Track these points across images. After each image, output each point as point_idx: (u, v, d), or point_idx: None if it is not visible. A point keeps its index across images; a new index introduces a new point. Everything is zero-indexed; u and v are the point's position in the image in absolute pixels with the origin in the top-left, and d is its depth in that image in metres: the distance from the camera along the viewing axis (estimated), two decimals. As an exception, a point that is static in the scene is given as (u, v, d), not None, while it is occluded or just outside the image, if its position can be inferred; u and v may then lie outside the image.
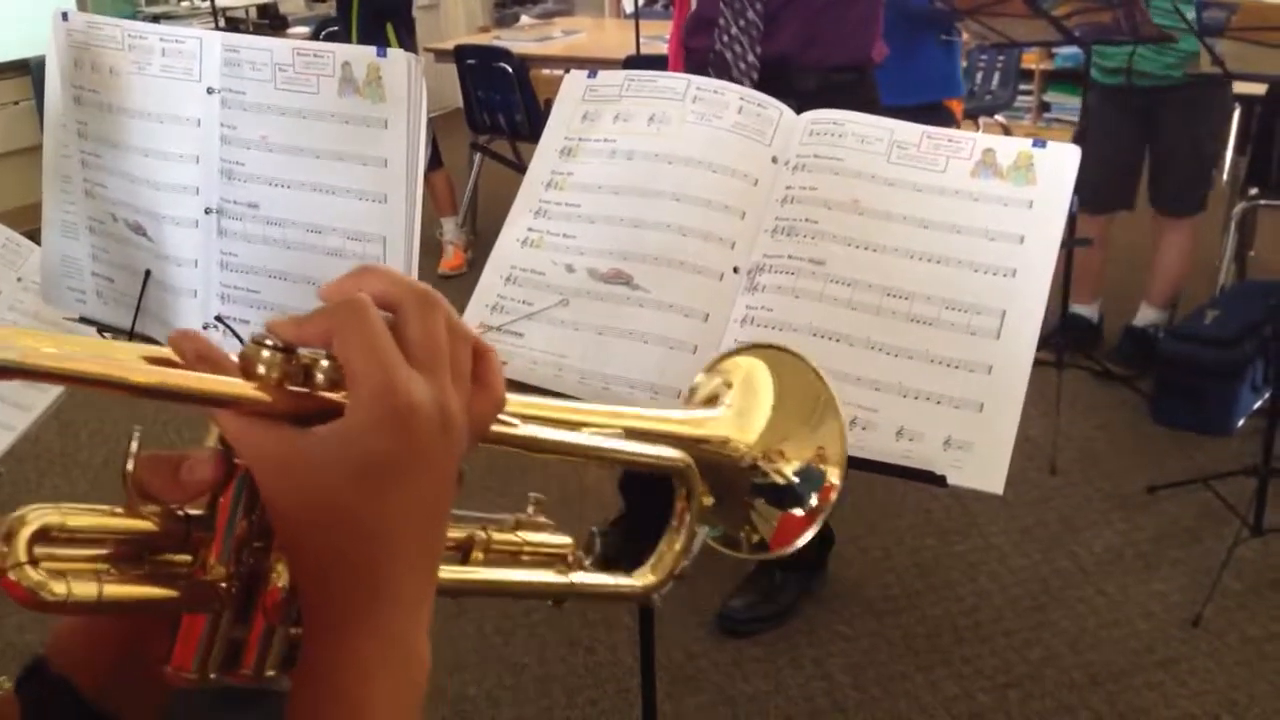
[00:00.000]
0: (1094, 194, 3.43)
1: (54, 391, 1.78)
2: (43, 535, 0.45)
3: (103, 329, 1.64)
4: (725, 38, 2.17)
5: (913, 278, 1.29)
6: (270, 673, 0.51)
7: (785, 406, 0.80)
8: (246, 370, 0.49)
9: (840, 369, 1.28)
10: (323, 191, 1.39)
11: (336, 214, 1.38)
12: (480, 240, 4.99)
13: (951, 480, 1.21)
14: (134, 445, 0.49)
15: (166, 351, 0.49)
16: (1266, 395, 2.94)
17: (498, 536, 0.65)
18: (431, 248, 4.79)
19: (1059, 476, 3.12)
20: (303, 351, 0.49)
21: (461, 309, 1.45)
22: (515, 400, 0.59)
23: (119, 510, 0.50)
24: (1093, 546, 2.83)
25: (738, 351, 0.85)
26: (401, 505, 0.49)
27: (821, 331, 1.30)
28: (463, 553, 0.63)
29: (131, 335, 1.55)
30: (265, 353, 0.48)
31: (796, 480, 0.79)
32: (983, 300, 1.26)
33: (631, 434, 0.69)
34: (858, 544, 2.85)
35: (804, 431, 0.80)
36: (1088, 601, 2.62)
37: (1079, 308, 3.81)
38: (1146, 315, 3.80)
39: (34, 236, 1.82)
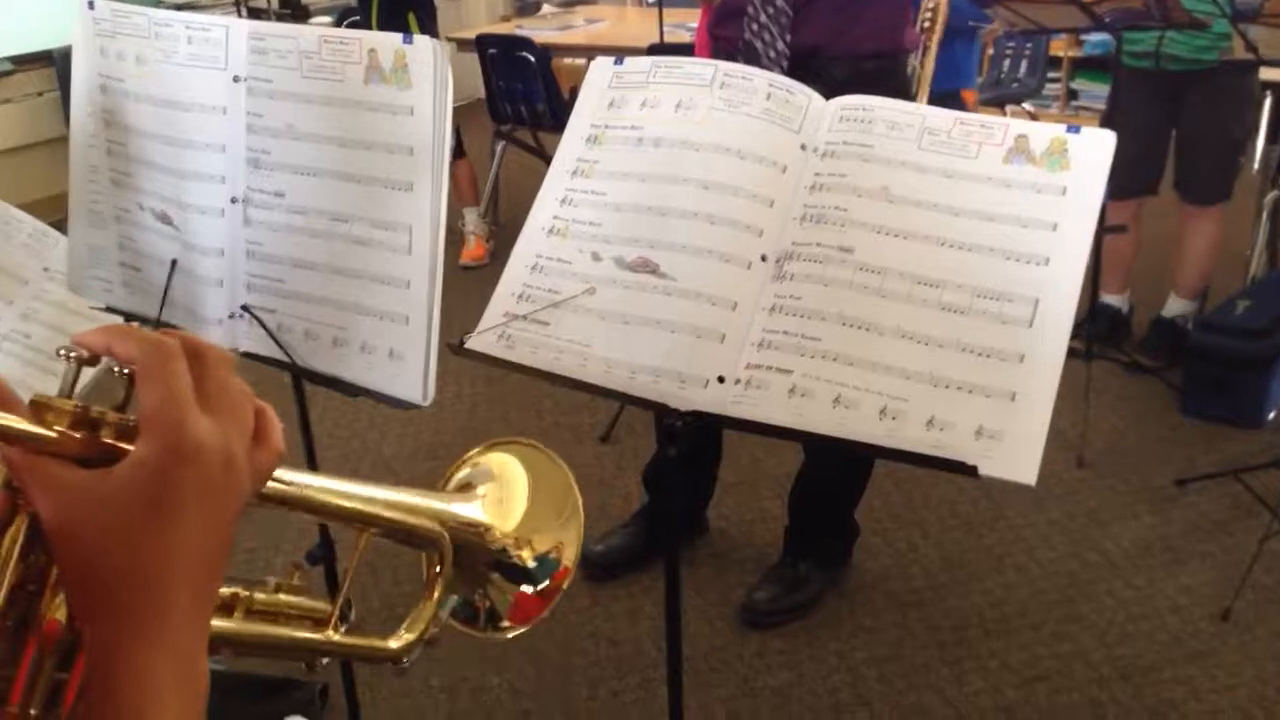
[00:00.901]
0: (1120, 179, 3.38)
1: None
2: None
3: (129, 318, 1.64)
4: (754, 26, 2.16)
5: (944, 266, 1.27)
6: (33, 712, 0.52)
7: (539, 501, 0.87)
8: (38, 415, 0.51)
9: (869, 358, 1.26)
10: (349, 180, 1.39)
11: (363, 202, 1.38)
12: (502, 231, 4.99)
13: (983, 471, 1.19)
14: None
15: None
16: (1298, 387, 2.90)
17: (258, 596, 0.71)
18: (453, 238, 4.78)
19: (1087, 469, 3.09)
20: (94, 407, 0.53)
21: (484, 298, 1.45)
22: (292, 474, 0.66)
23: None
24: (1121, 540, 2.80)
25: (490, 446, 0.91)
26: (180, 534, 0.52)
27: (851, 320, 1.28)
28: (226, 610, 0.69)
29: (158, 324, 1.55)
30: (56, 402, 0.52)
31: (534, 565, 0.86)
32: (1015, 288, 1.24)
33: (395, 507, 0.76)
34: (883, 536, 2.83)
35: (554, 525, 0.87)
36: (1116, 595, 2.60)
37: (1108, 298, 3.77)
38: (1175, 306, 3.76)
39: (59, 227, 1.82)
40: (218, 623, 0.65)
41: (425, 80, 1.34)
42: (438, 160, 1.34)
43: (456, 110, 1.36)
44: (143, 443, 0.51)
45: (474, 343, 1.41)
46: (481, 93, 5.09)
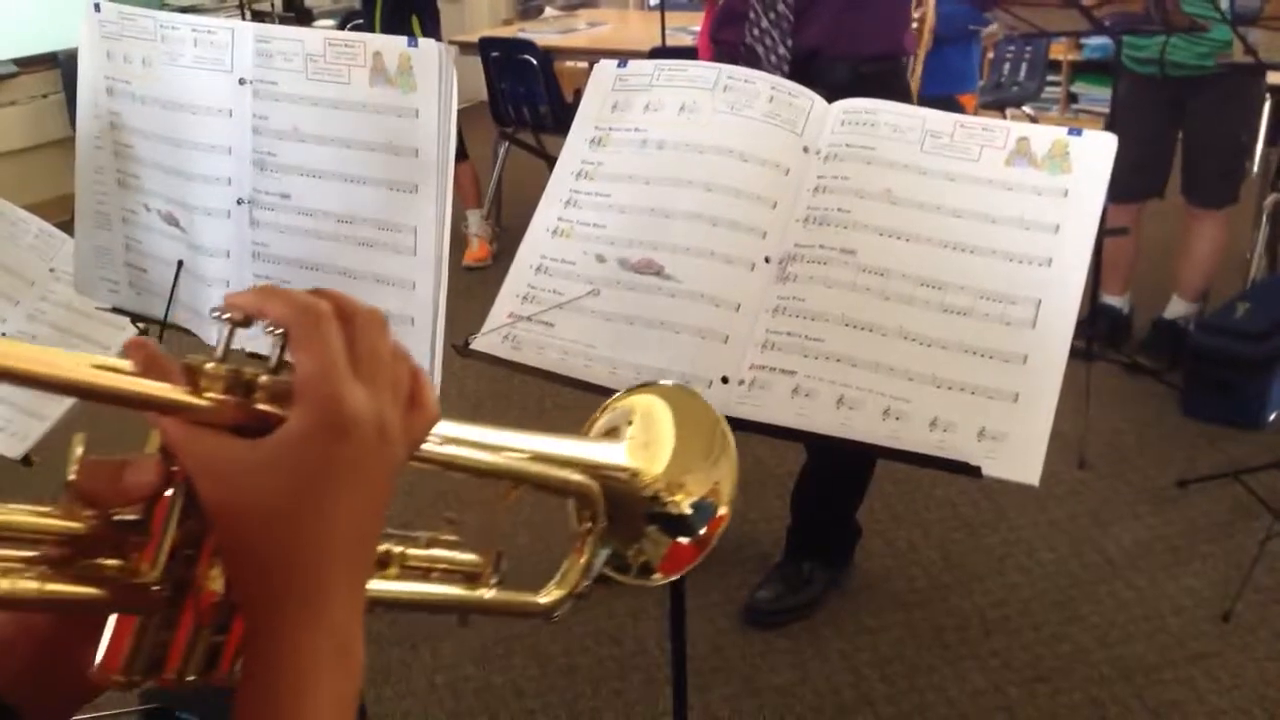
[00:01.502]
0: (1123, 183, 3.39)
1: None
2: None
3: (135, 319, 1.65)
4: (756, 31, 2.16)
5: (946, 267, 1.28)
6: (191, 676, 0.52)
7: (687, 442, 0.85)
8: (191, 380, 0.50)
9: (873, 359, 1.27)
10: (354, 182, 1.39)
11: (368, 204, 1.39)
12: (505, 233, 5.00)
13: (986, 471, 1.20)
14: (78, 450, 0.50)
15: (115, 361, 0.50)
16: (1299, 388, 2.91)
17: (411, 552, 0.69)
18: (457, 240, 4.79)
19: (1088, 470, 3.10)
20: (246, 369, 0.52)
21: (487, 300, 1.45)
22: (441, 423, 0.63)
23: (54, 510, 0.50)
24: (1122, 541, 2.81)
25: (632, 390, 0.89)
26: (337, 509, 0.51)
27: (854, 321, 1.29)
28: (379, 566, 0.67)
29: (164, 325, 1.56)
30: (210, 365, 0.50)
31: (691, 512, 0.84)
32: (1017, 290, 1.25)
33: (544, 459, 0.73)
34: (885, 536, 2.84)
35: (704, 466, 0.85)
36: (1117, 596, 2.60)
37: (1109, 299, 3.78)
38: (1177, 308, 3.76)
39: (65, 228, 1.83)
40: (371, 584, 0.63)
41: (430, 83, 1.35)
42: (443, 162, 1.35)
43: (459, 113, 1.37)
44: (297, 414, 0.50)
45: (479, 344, 1.42)
46: (484, 95, 5.10)
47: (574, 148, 1.48)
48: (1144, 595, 2.60)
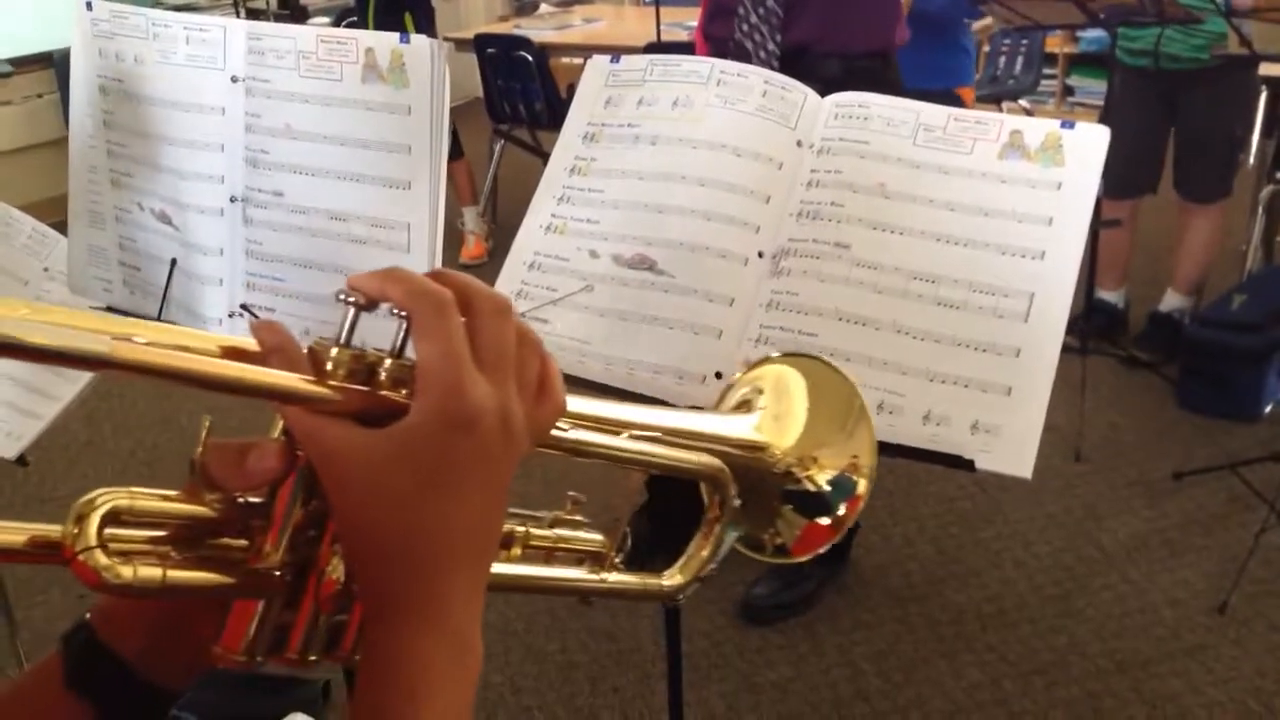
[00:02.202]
0: (1117, 177, 3.40)
1: (80, 383, 1.80)
2: (112, 518, 0.46)
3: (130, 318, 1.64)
4: (745, 26, 2.16)
5: (939, 261, 1.28)
6: (313, 657, 0.52)
7: (820, 413, 0.80)
8: (316, 364, 0.50)
9: (866, 353, 1.27)
10: (347, 179, 1.39)
11: (361, 201, 1.39)
12: (501, 230, 5.00)
13: (980, 465, 1.20)
14: (204, 433, 0.50)
15: (241, 341, 0.50)
16: (1295, 381, 2.91)
17: (535, 533, 0.67)
18: (453, 237, 4.79)
19: (1084, 463, 3.10)
20: (370, 349, 0.51)
21: (484, 297, 1.45)
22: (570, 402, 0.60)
23: (181, 495, 0.51)
24: (1118, 534, 2.81)
25: (766, 360, 0.85)
26: (461, 505, 0.50)
27: (847, 315, 1.29)
28: (503, 548, 0.64)
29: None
30: (335, 350, 0.50)
31: (828, 489, 0.79)
32: (1010, 283, 1.25)
33: (672, 436, 0.69)
34: (881, 531, 2.84)
35: (840, 439, 0.80)
36: (1113, 589, 2.61)
37: (1104, 294, 3.78)
38: (1172, 301, 3.77)
39: (60, 228, 1.83)
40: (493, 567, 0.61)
41: (422, 79, 1.35)
42: (435, 159, 1.35)
43: (454, 110, 1.36)
44: (419, 406, 0.49)
45: (473, 340, 1.41)
46: (479, 92, 5.10)
47: (567, 143, 1.48)
48: (1140, 588, 2.61)
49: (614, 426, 0.66)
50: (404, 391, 0.50)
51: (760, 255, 1.35)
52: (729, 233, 1.36)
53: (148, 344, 0.45)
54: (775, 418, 0.79)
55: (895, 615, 2.55)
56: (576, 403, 0.62)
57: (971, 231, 1.28)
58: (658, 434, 0.68)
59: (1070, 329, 1.26)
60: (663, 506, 2.54)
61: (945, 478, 2.97)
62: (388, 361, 0.51)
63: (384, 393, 0.50)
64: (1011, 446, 1.20)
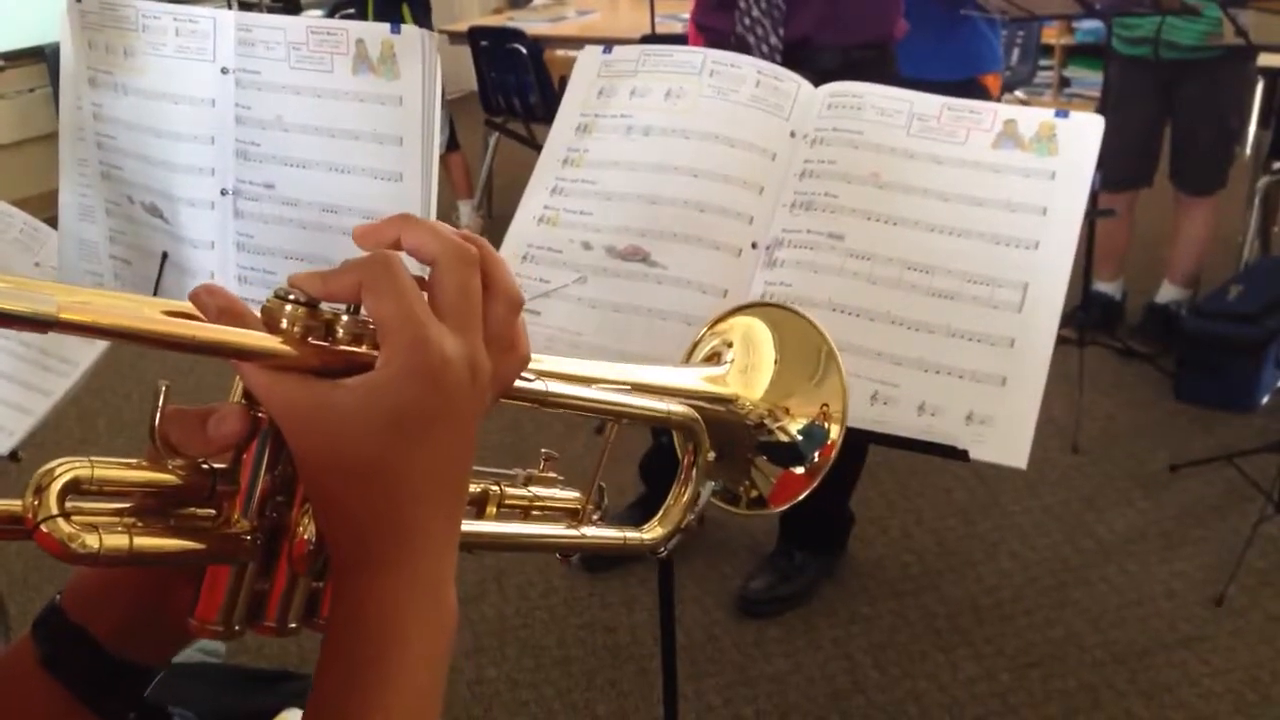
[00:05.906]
0: (1114, 169, 3.39)
1: (72, 377, 1.79)
2: (73, 487, 0.46)
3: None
4: (747, 20, 2.15)
5: (933, 251, 1.27)
6: (292, 624, 0.52)
7: (788, 362, 0.80)
8: (270, 325, 0.49)
9: (860, 343, 1.26)
10: (338, 171, 1.39)
11: (352, 193, 1.38)
12: (495, 223, 4.98)
13: (974, 455, 1.19)
14: (161, 399, 0.49)
15: (188, 306, 0.49)
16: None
17: (510, 491, 0.66)
18: (448, 231, 4.77)
19: (1081, 455, 3.10)
20: (324, 306, 0.50)
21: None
22: (533, 356, 0.60)
23: (143, 463, 0.50)
24: (1115, 525, 2.81)
25: (734, 311, 0.85)
26: (429, 455, 0.50)
27: (841, 306, 1.29)
28: (477, 507, 0.64)
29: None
30: (289, 307, 0.49)
31: (800, 438, 0.79)
32: (1004, 273, 1.24)
33: (641, 390, 0.69)
34: (878, 524, 2.84)
35: (808, 387, 0.80)
36: (1110, 580, 2.61)
37: (1101, 285, 3.78)
38: (1169, 292, 3.76)
39: (52, 223, 1.82)
40: (468, 526, 0.60)
41: (413, 70, 1.34)
42: (427, 150, 1.34)
43: (449, 103, 1.36)
44: (385, 357, 0.48)
45: (465, 333, 1.41)
46: (474, 85, 5.09)
47: (560, 135, 1.48)
48: (1136, 580, 2.60)
49: (583, 381, 0.65)
50: (364, 346, 0.50)
51: (754, 246, 1.35)
52: (722, 224, 1.36)
53: (91, 305, 0.44)
54: (744, 370, 0.80)
55: (892, 608, 2.55)
56: (545, 358, 0.62)
57: (965, 221, 1.27)
58: (627, 388, 0.68)
59: (1067, 321, 1.25)
60: (656, 499, 2.54)
61: (942, 470, 2.97)
62: (344, 318, 0.50)
63: (343, 347, 0.49)
64: (1006, 437, 1.20)
